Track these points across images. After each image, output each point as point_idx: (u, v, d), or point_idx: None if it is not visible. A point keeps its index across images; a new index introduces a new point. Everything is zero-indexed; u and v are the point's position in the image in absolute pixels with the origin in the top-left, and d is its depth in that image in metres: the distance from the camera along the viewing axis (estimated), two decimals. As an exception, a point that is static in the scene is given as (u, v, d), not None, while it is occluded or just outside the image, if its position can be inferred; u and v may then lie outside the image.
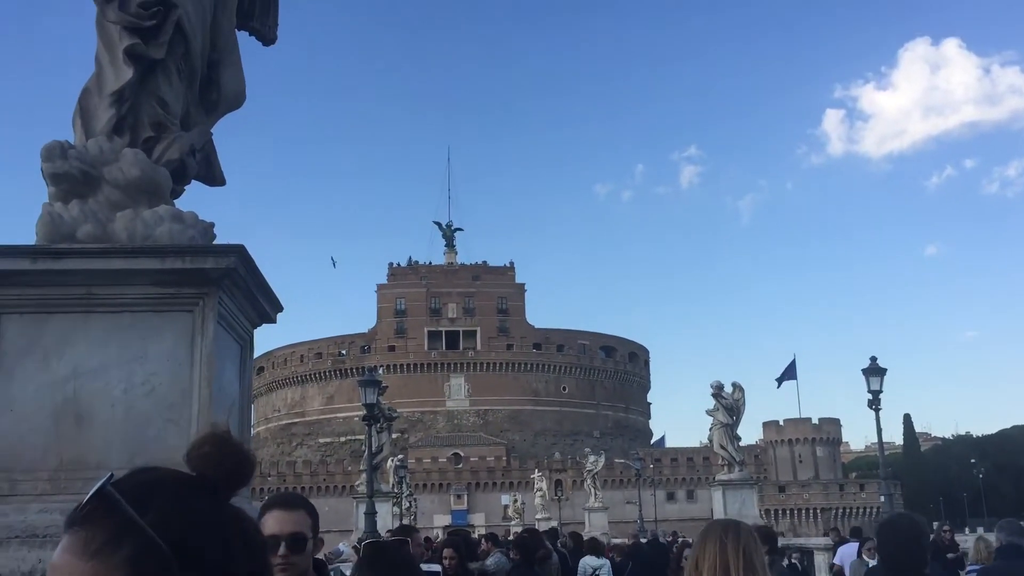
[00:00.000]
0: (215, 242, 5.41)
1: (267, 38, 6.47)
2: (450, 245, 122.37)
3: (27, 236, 5.11)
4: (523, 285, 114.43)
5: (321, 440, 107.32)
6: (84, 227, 5.03)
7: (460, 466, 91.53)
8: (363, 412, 25.43)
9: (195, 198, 6.35)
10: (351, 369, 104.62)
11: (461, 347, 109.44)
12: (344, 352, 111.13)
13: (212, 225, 5.47)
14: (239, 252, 5.05)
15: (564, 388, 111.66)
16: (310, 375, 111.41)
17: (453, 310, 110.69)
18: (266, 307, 5.89)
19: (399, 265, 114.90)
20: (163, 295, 5.00)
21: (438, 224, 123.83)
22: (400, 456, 49.02)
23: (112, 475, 1.05)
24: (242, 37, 6.26)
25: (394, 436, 36.46)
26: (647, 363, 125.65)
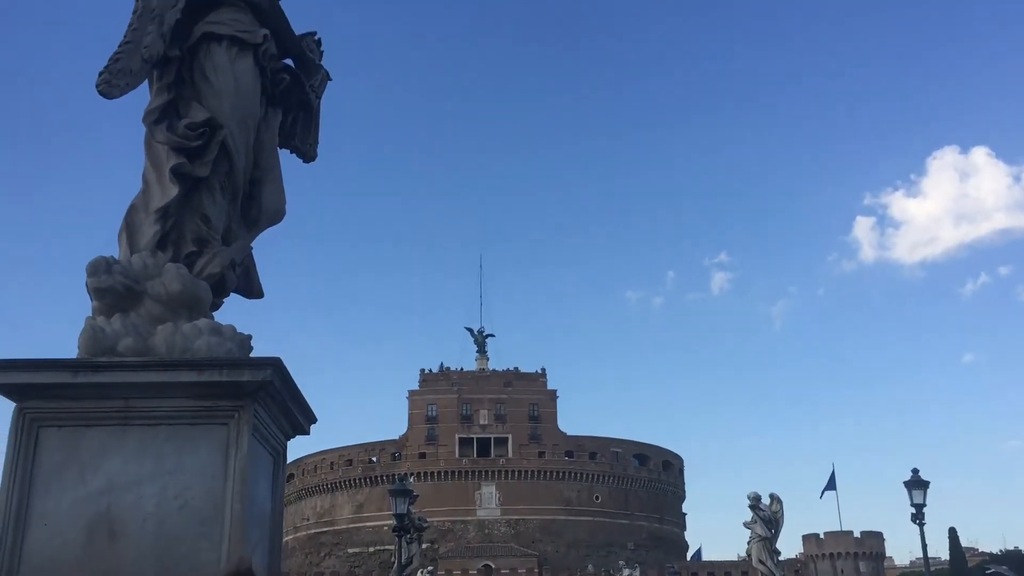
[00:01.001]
0: (252, 354, 5.48)
1: (308, 156, 6.68)
2: (482, 351, 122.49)
3: (69, 349, 5.20)
4: (555, 392, 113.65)
5: (350, 550, 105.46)
6: (125, 340, 5.11)
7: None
8: (393, 521, 25.04)
9: (234, 307, 6.44)
10: (381, 476, 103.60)
11: (492, 454, 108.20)
12: (375, 459, 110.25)
13: (250, 337, 5.54)
14: (275, 365, 5.10)
15: (597, 497, 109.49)
16: (340, 483, 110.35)
17: (484, 416, 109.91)
18: (300, 419, 5.90)
19: (431, 371, 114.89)
20: (200, 408, 5.04)
21: (470, 330, 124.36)
22: (430, 568, 47.99)
23: None
24: (283, 154, 6.48)
25: (424, 546, 35.74)
26: (682, 472, 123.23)
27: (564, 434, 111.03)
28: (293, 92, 6.36)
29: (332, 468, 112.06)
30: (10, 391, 4.95)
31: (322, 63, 6.61)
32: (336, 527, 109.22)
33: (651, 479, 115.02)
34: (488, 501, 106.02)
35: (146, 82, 5.70)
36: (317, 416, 6.21)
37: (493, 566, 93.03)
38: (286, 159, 6.48)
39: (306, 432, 6.19)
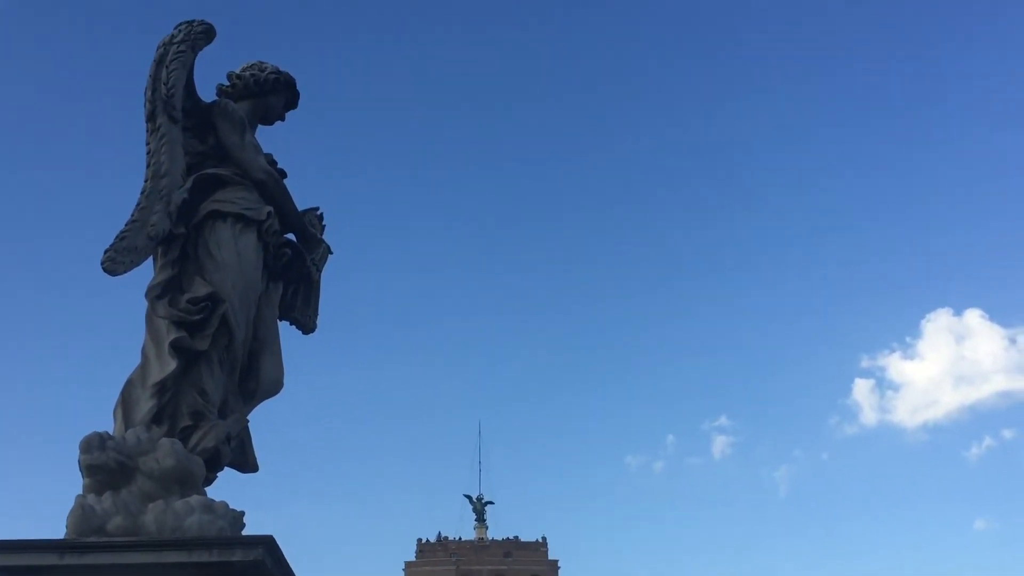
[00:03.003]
0: (245, 530, 5.34)
1: (307, 328, 6.74)
2: (480, 519, 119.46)
3: (58, 529, 5.07)
4: (556, 562, 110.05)
5: None
6: (115, 519, 4.99)
7: None
8: None
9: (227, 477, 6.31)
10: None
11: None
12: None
13: (243, 514, 5.41)
14: (267, 543, 4.95)
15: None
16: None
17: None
18: (294, 602, 5.68)
19: (428, 541, 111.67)
20: (189, 590, 4.86)
21: (468, 497, 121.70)
22: None
23: None
24: (283, 327, 6.53)
25: None
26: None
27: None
28: (294, 266, 6.48)
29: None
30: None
31: (323, 237, 6.78)
32: None
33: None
34: None
35: (151, 258, 5.83)
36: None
37: None
38: (285, 331, 6.54)
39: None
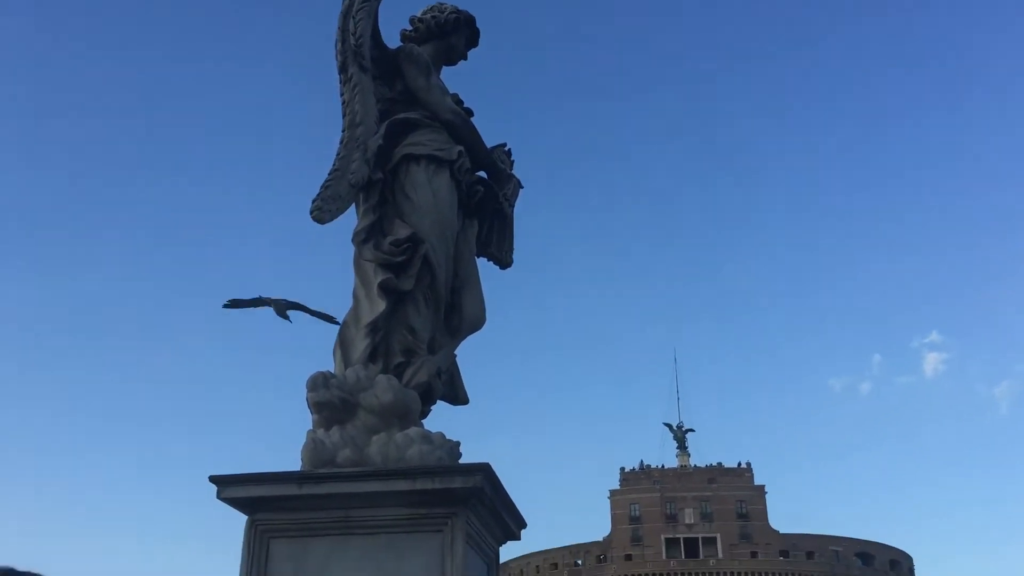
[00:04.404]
0: (461, 461, 5.55)
1: (503, 263, 6.86)
2: (682, 447, 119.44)
3: (284, 463, 5.45)
4: (763, 487, 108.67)
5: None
6: (343, 452, 5.31)
7: None
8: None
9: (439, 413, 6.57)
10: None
11: (701, 555, 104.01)
12: (580, 562, 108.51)
13: (458, 444, 5.63)
14: (485, 471, 5.13)
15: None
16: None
17: (690, 515, 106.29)
18: (511, 524, 5.89)
19: (631, 470, 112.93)
20: (414, 516, 5.12)
21: (668, 426, 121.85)
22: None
23: None
24: (481, 262, 6.67)
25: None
26: (912, 572, 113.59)
27: (776, 532, 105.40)
28: (487, 202, 6.58)
29: (538, 572, 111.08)
30: (241, 504, 5.23)
31: (514, 172, 6.83)
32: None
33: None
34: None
35: (353, 205, 6.07)
36: (526, 521, 6.18)
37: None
38: (484, 268, 6.67)
39: (516, 537, 6.17)
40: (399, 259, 5.84)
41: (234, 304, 7.59)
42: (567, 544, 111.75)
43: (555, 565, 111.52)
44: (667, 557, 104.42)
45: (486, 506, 5.35)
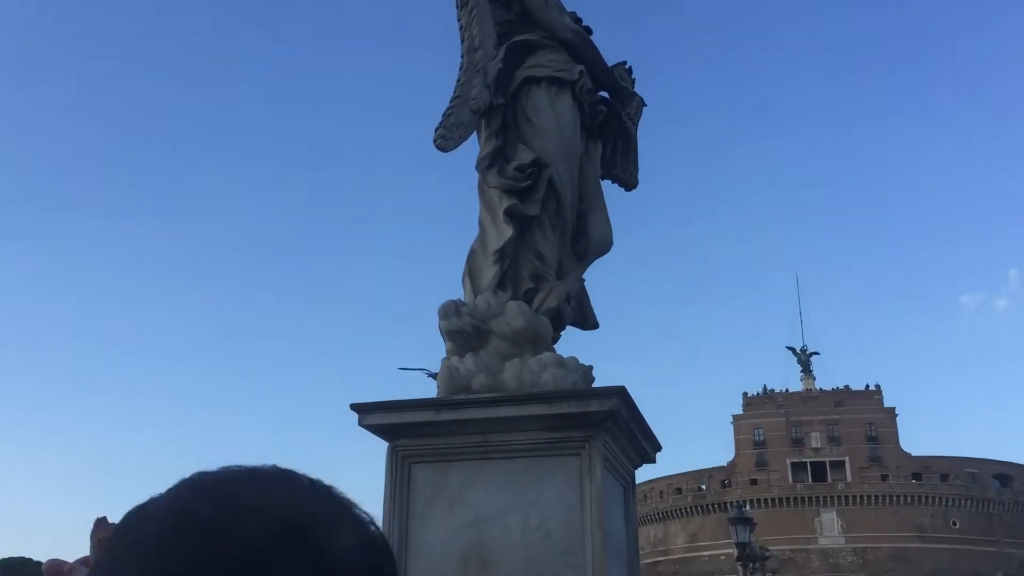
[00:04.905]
0: (594, 385, 5.53)
1: (629, 184, 6.71)
2: (806, 371, 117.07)
3: (420, 391, 5.55)
4: (893, 409, 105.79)
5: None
6: (478, 378, 5.36)
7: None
8: (732, 550, 24.39)
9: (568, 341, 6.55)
10: (713, 505, 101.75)
11: (829, 479, 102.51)
12: (703, 486, 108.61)
13: (591, 368, 5.60)
14: (620, 394, 5.09)
15: (954, 523, 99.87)
16: (671, 511, 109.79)
17: (816, 439, 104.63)
18: (646, 447, 5.86)
19: (754, 394, 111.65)
20: (551, 440, 5.14)
21: (791, 349, 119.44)
22: (774, 599, 46.12)
23: None
24: (605, 185, 6.55)
25: (766, 577, 34.46)
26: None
27: (908, 455, 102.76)
28: (610, 123, 6.42)
29: (662, 497, 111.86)
30: (382, 431, 5.35)
31: (635, 90, 6.64)
32: (671, 556, 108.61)
33: (1017, 501, 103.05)
34: (830, 528, 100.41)
35: (475, 132, 6.02)
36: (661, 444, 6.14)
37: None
38: (608, 190, 6.55)
39: (652, 460, 6.14)
40: (524, 184, 5.78)
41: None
42: (690, 470, 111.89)
43: (679, 490, 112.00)
44: (793, 481, 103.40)
45: (622, 429, 5.33)
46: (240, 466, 0.60)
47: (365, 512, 0.61)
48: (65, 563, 0.85)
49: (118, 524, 0.58)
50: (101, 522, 0.84)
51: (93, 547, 0.83)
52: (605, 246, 6.35)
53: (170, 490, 0.59)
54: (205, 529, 0.54)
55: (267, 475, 0.59)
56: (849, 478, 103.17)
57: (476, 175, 6.01)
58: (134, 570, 0.53)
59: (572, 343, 6.26)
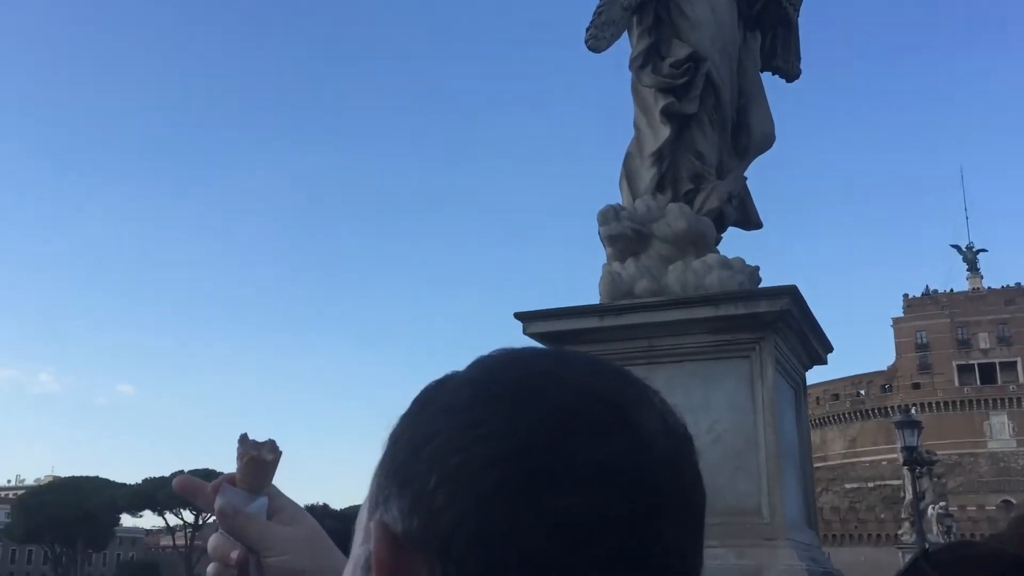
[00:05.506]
0: (762, 285, 5.36)
1: (791, 75, 6.35)
2: (973, 269, 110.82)
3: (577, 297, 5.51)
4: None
5: (847, 485, 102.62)
6: (640, 283, 5.28)
7: (1013, 515, 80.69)
8: (891, 455, 23.65)
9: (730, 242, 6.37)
10: (872, 410, 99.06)
11: (999, 381, 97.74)
12: (862, 392, 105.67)
13: (757, 269, 5.42)
14: (791, 293, 4.91)
15: None
16: (829, 417, 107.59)
17: (984, 340, 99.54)
18: (817, 348, 5.66)
19: (915, 296, 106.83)
20: (719, 343, 5.04)
21: (956, 247, 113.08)
22: (942, 503, 44.80)
23: (927, 547, 0.93)
24: (765, 77, 6.23)
25: (932, 481, 33.45)
26: None
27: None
28: (769, 10, 6.07)
29: (819, 403, 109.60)
30: (547, 338, 5.36)
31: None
32: (829, 462, 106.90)
33: None
34: (1000, 432, 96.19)
35: (626, 31, 5.81)
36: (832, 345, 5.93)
37: (1014, 501, 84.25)
38: (769, 81, 6.23)
39: (823, 362, 5.94)
40: (680, 81, 5.56)
41: None
42: (848, 375, 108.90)
43: (836, 396, 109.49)
44: (960, 384, 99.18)
45: (793, 329, 5.16)
46: (551, 349, 0.60)
47: (668, 402, 0.58)
48: (201, 482, 0.85)
49: (414, 400, 0.57)
50: (244, 438, 0.83)
51: (240, 465, 0.82)
52: (767, 141, 6.07)
53: (471, 365, 0.57)
54: (516, 395, 0.53)
55: (571, 354, 0.58)
56: (1021, 379, 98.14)
57: (629, 75, 5.83)
58: (446, 437, 0.52)
59: (734, 243, 6.08)
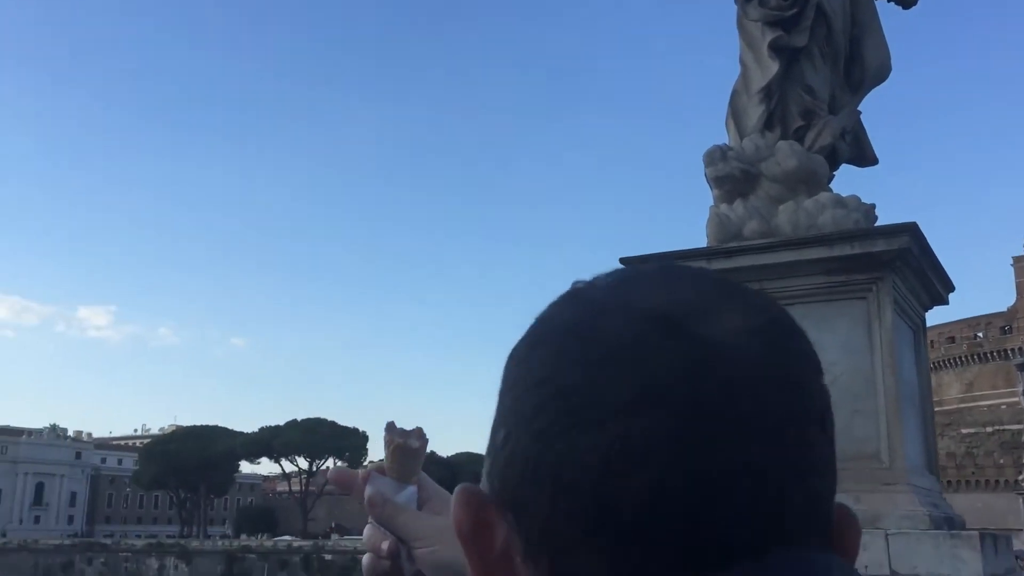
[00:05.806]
0: (879, 223, 5.15)
1: (907, 0, 6.02)
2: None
3: (677, 240, 5.40)
4: None
5: (964, 431, 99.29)
6: (749, 224, 5.15)
7: None
8: (1012, 399, 22.72)
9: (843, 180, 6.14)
10: (991, 353, 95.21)
11: None
12: (980, 334, 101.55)
13: (873, 207, 5.21)
14: (911, 231, 4.71)
15: None
16: (944, 361, 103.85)
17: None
18: (938, 288, 5.44)
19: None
20: (832, 283, 4.88)
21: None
22: (1067, 449, 42.97)
23: None
24: (880, 4, 5.92)
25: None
26: None
27: None
28: None
29: (933, 346, 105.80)
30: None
31: None
32: (945, 407, 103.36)
33: None
34: None
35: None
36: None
37: None
38: (884, 8, 5.92)
39: (945, 302, 5.71)
40: (789, 13, 5.34)
41: None
42: (965, 317, 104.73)
43: (952, 339, 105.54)
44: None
45: (912, 269, 4.96)
46: (624, 268, 0.57)
47: (765, 297, 0.54)
48: (354, 472, 0.84)
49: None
50: (392, 426, 0.82)
51: (387, 453, 0.80)
52: (882, 73, 5.80)
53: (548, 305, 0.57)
54: (563, 333, 0.53)
55: (643, 272, 0.56)
56: None
57: (735, 9, 5.62)
58: (508, 389, 0.54)
59: (849, 181, 5.85)
